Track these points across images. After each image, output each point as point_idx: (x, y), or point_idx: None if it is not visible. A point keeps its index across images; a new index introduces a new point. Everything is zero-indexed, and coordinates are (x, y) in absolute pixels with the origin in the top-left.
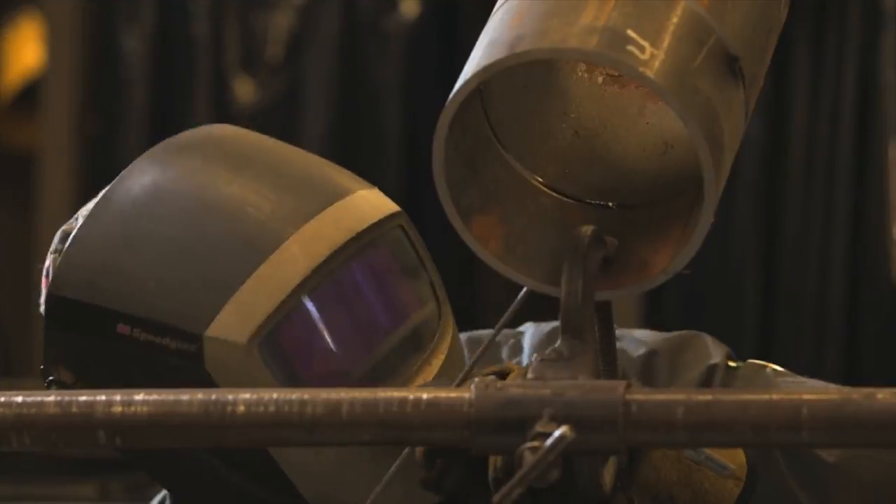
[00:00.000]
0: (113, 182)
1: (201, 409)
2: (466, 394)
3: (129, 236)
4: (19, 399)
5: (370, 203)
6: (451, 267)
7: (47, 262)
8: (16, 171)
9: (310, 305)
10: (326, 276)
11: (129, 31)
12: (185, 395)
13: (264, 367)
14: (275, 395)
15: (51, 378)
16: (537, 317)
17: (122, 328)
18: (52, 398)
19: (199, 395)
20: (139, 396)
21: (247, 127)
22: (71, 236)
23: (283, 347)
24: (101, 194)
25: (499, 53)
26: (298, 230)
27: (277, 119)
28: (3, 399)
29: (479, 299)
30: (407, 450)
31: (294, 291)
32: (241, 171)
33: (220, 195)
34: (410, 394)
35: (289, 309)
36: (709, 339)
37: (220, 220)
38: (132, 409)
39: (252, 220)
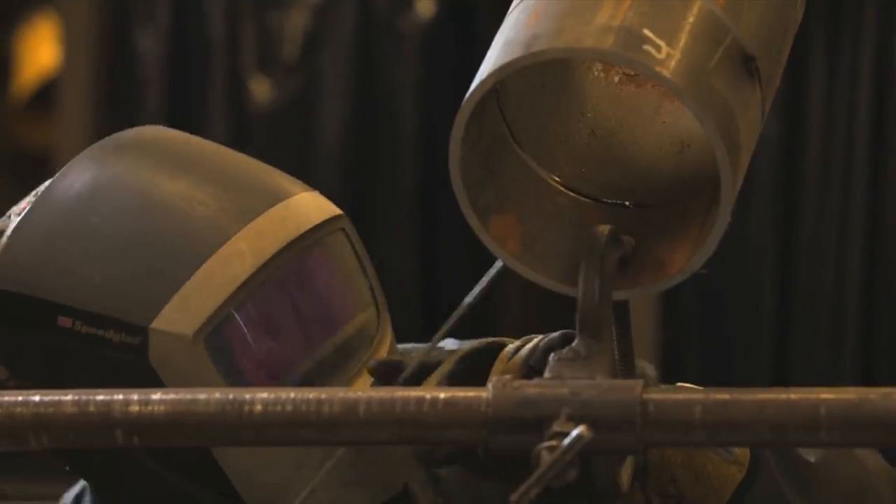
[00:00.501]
0: (51, 180)
1: (219, 408)
2: (484, 393)
3: (72, 230)
4: (36, 398)
5: (313, 204)
6: (467, 267)
7: None
8: (32, 170)
9: (256, 302)
10: (272, 274)
11: (144, 31)
12: (202, 395)
13: (209, 361)
14: (292, 395)
15: None
16: (547, 320)
17: (64, 321)
18: (69, 397)
19: (217, 394)
20: (156, 395)
21: (263, 128)
22: (8, 231)
23: (227, 342)
24: (37, 192)
25: (515, 53)
26: (245, 227)
27: (293, 118)
28: (20, 398)
29: (495, 300)
30: (342, 451)
31: (241, 287)
32: (184, 169)
33: (165, 191)
34: (428, 393)
35: (235, 304)
36: (639, 361)
37: (166, 215)
38: (149, 408)
39: (198, 215)
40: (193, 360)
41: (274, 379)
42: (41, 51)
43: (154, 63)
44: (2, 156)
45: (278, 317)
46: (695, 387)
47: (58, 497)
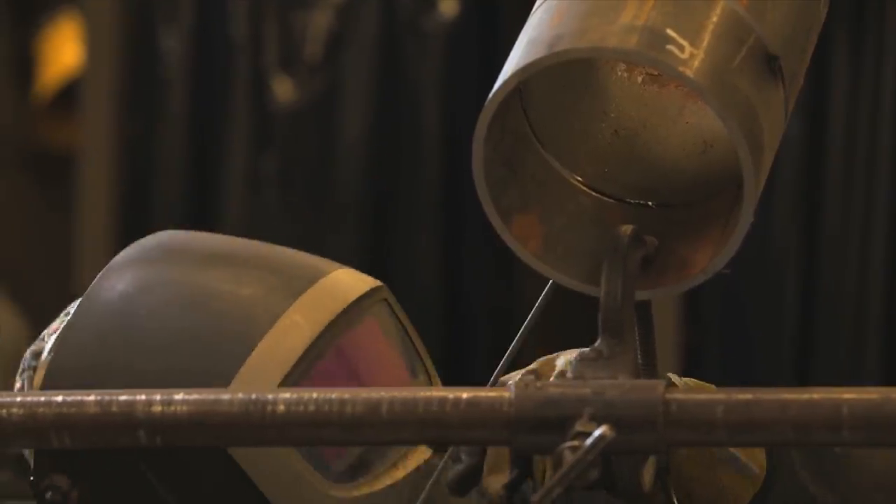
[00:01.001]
0: (88, 290)
1: (242, 408)
2: (506, 393)
3: (122, 327)
4: (59, 398)
5: (353, 278)
6: (489, 267)
7: (17, 384)
8: (55, 170)
9: (316, 372)
10: (329, 344)
11: (167, 31)
12: (225, 395)
13: None
14: (315, 395)
15: (45, 484)
16: (571, 320)
17: None
18: (92, 397)
19: (240, 394)
20: (179, 396)
21: (286, 128)
22: (48, 345)
23: None
24: (67, 311)
25: (538, 53)
26: (295, 301)
27: (315, 118)
28: (43, 398)
29: (517, 300)
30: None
31: (302, 357)
32: (221, 260)
33: (210, 279)
34: (450, 393)
35: (298, 375)
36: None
37: (216, 301)
38: (172, 408)
39: (247, 295)
40: None
41: (341, 446)
42: (64, 51)
43: (177, 63)
44: (25, 156)
45: (339, 384)
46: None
47: None
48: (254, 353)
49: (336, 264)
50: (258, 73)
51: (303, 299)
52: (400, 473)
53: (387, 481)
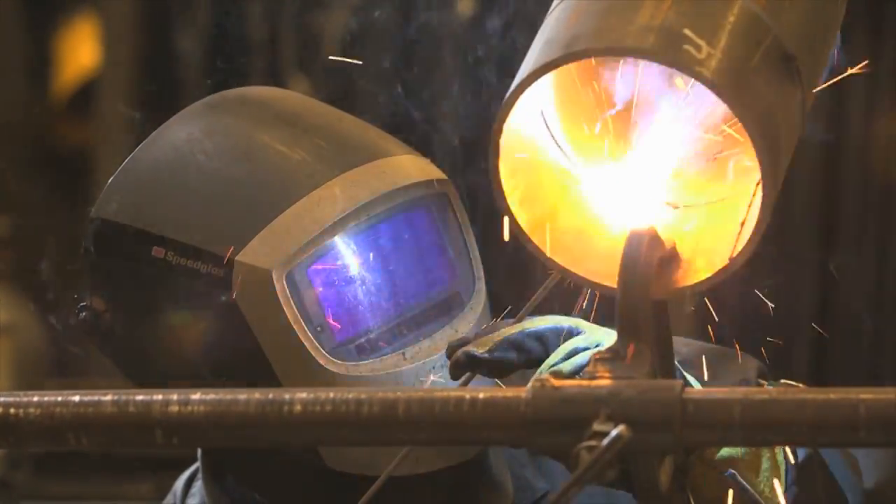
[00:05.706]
0: (162, 126)
1: (258, 409)
2: (523, 393)
3: (177, 166)
4: (77, 399)
5: (416, 166)
6: (505, 263)
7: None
8: (70, 171)
9: (342, 246)
10: (363, 223)
11: (184, 32)
12: (242, 395)
13: (289, 298)
14: (331, 395)
15: (82, 304)
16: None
17: (157, 251)
18: (109, 398)
19: (257, 394)
20: (196, 396)
21: None
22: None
23: (309, 282)
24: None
25: (555, 53)
26: (342, 174)
27: None
28: (60, 398)
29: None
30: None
31: (328, 229)
32: (290, 122)
33: (266, 139)
34: (467, 393)
35: (320, 245)
36: (743, 355)
37: (267, 158)
38: (189, 408)
39: (297, 159)
40: (274, 295)
41: (354, 325)
42: (81, 51)
43: (193, 64)
44: (41, 156)
45: (366, 264)
46: (795, 384)
47: (106, 496)
48: (283, 215)
49: (410, 150)
50: (275, 73)
51: (350, 174)
52: (406, 365)
53: (389, 368)
